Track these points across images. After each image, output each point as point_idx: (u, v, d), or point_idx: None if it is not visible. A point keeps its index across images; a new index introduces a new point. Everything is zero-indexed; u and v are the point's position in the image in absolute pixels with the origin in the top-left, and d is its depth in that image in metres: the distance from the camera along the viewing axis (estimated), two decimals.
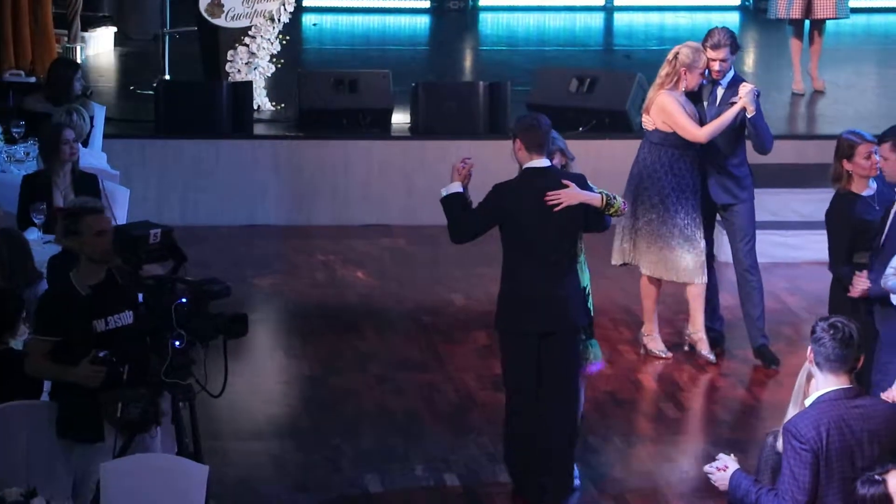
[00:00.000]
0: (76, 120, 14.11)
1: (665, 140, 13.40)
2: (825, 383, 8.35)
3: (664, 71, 13.39)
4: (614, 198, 11.09)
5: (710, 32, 13.60)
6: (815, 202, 13.74)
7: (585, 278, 11.35)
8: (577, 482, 11.35)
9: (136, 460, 9.59)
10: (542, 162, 11.14)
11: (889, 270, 10.64)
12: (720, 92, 13.47)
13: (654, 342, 13.78)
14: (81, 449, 9.88)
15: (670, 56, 13.41)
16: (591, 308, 11.46)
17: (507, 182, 11.24)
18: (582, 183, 11.13)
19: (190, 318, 9.59)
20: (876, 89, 19.84)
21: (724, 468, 8.28)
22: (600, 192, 11.07)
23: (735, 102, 13.25)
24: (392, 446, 12.32)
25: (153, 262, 10.42)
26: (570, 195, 10.99)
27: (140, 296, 10.24)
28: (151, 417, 9.73)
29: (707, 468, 8.41)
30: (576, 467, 11.37)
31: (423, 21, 22.87)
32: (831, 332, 8.31)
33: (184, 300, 9.60)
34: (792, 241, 15.62)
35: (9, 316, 10.38)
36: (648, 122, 13.50)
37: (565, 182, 11.04)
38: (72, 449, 9.89)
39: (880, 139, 11.41)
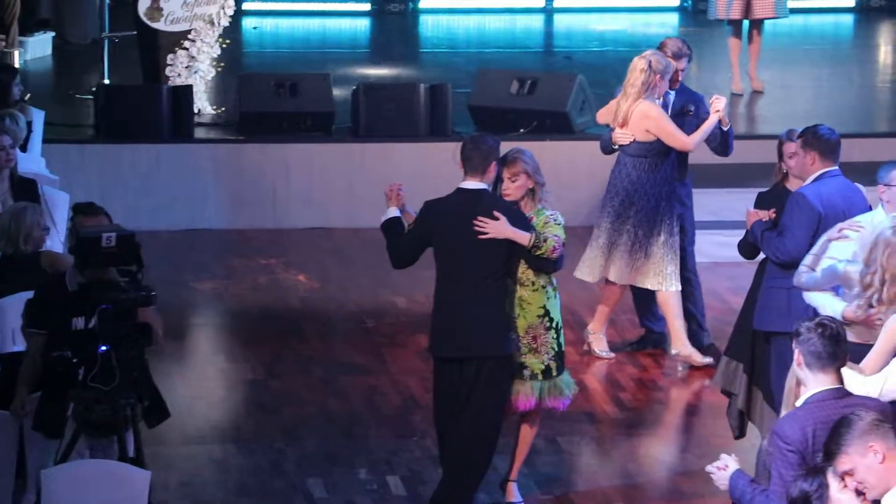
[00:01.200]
0: (11, 125, 14.11)
1: (647, 150, 13.35)
2: (815, 383, 8.37)
3: (640, 80, 13.27)
4: (544, 240, 10.85)
5: (667, 43, 13.66)
6: None
7: (556, 312, 11.16)
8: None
9: (78, 466, 9.62)
10: (476, 184, 10.97)
11: (801, 268, 10.65)
12: (671, 99, 13.49)
13: (600, 342, 13.79)
14: (43, 444, 9.90)
15: (642, 65, 13.26)
16: (562, 343, 11.24)
17: (437, 200, 11.08)
18: (516, 217, 10.98)
19: (113, 323, 9.60)
20: (813, 89, 19.97)
21: (724, 467, 8.25)
22: (531, 233, 10.88)
23: (689, 110, 13.32)
24: (335, 449, 12.32)
25: (111, 266, 10.40)
26: (497, 228, 10.83)
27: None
28: (120, 421, 9.71)
29: (709, 468, 8.38)
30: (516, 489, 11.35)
31: (363, 24, 22.90)
32: (819, 330, 8.35)
33: (107, 306, 9.60)
34: (734, 241, 15.63)
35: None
36: (625, 135, 13.38)
37: (496, 213, 10.88)
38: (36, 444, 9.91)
39: (798, 136, 11.52)
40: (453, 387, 11.11)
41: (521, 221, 10.96)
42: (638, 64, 13.31)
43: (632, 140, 13.34)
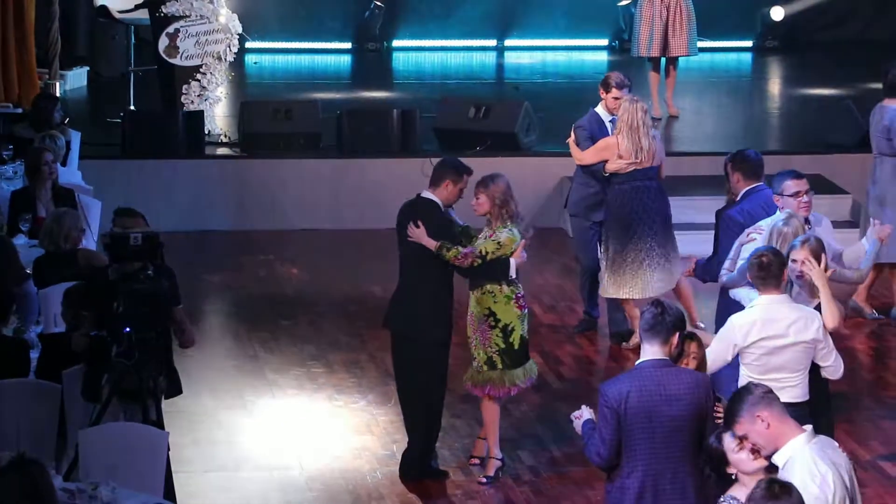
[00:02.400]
0: (53, 144, 14.11)
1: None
2: (643, 353, 8.37)
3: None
4: (448, 250, 10.75)
5: (611, 76, 13.52)
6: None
7: (504, 315, 10.97)
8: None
9: (109, 427, 9.51)
10: (428, 194, 10.99)
11: (723, 271, 10.65)
12: (609, 126, 13.35)
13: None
14: (81, 409, 9.82)
15: (622, 110, 13.04)
16: (513, 343, 11.04)
17: (405, 203, 11.16)
18: (440, 225, 10.87)
19: (136, 308, 9.57)
20: (718, 114, 20.00)
21: (580, 416, 8.36)
22: (440, 242, 10.78)
23: None
24: (321, 415, 12.35)
25: (138, 261, 10.35)
26: (414, 233, 10.86)
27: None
28: (144, 391, 9.63)
29: (571, 416, 8.43)
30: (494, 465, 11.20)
31: (345, 60, 22.84)
32: (651, 308, 8.35)
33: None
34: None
35: (2, 309, 10.29)
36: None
37: (418, 222, 10.86)
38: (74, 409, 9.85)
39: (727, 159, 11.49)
40: (394, 357, 11.29)
41: (444, 230, 10.90)
42: (622, 107, 13.05)
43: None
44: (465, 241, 10.93)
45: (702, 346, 8.73)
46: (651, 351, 8.30)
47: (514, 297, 11.00)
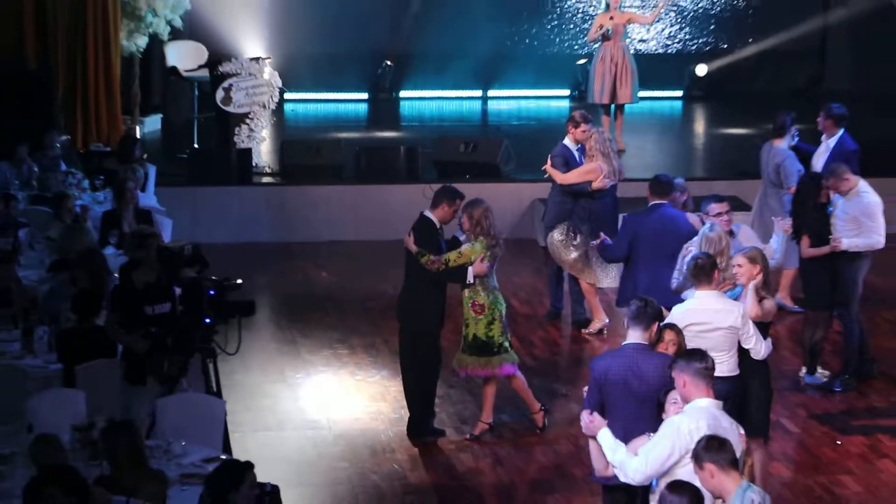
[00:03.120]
0: (134, 175, 14.14)
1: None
2: (629, 337, 8.41)
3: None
4: (422, 256, 10.70)
5: (576, 114, 13.44)
6: None
7: (467, 311, 10.87)
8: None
9: (179, 397, 9.54)
10: (427, 213, 10.94)
11: (673, 278, 10.63)
12: (577, 154, 13.29)
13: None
14: (132, 389, 9.86)
15: (592, 141, 12.98)
16: (467, 335, 10.89)
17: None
18: (425, 236, 10.80)
19: (216, 303, 9.52)
20: (656, 149, 19.95)
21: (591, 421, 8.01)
22: (419, 250, 10.72)
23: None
24: (345, 384, 12.36)
25: (189, 267, 10.39)
26: (407, 241, 10.85)
27: (178, 291, 10.23)
28: (183, 373, 9.69)
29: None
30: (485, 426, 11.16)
31: (362, 107, 22.82)
32: (637, 302, 8.38)
33: (212, 292, 9.54)
34: None
35: (96, 306, 10.30)
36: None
37: (410, 232, 10.86)
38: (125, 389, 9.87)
39: None
40: (399, 341, 11.29)
41: (428, 242, 10.81)
42: (590, 140, 12.98)
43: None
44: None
45: (679, 333, 8.57)
46: (634, 336, 8.35)
47: (470, 301, 10.88)
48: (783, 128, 13.78)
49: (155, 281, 10.14)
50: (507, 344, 11.00)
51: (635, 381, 8.21)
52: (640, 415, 8.15)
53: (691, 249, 10.23)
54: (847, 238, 11.67)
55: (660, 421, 7.79)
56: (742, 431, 7.62)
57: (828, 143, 13.47)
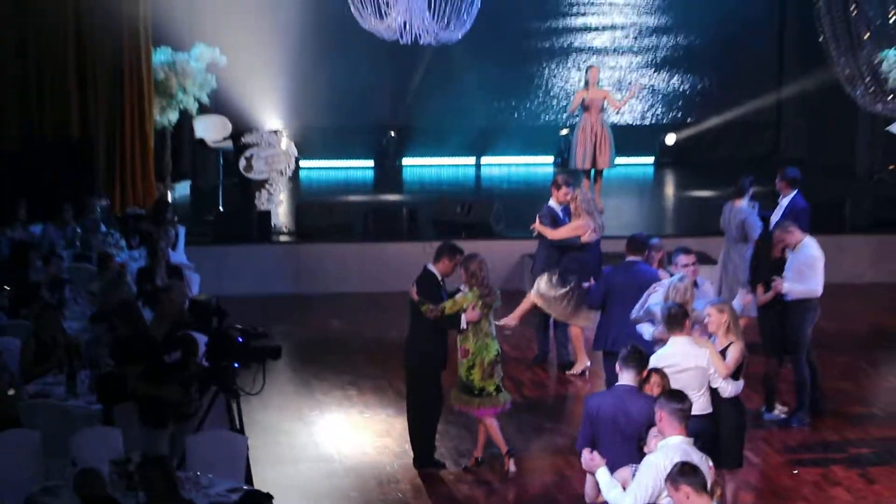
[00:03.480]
0: (166, 235, 14.19)
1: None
2: (621, 378, 8.45)
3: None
4: (423, 304, 10.69)
5: (559, 177, 13.47)
6: None
7: (487, 353, 10.78)
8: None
9: (207, 435, 9.50)
10: (430, 266, 10.91)
11: (633, 312, 10.67)
12: (560, 214, 13.32)
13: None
14: (152, 432, 9.72)
15: (577, 200, 12.98)
16: (460, 376, 10.82)
17: None
18: (427, 287, 10.73)
19: (244, 349, 9.52)
20: (631, 209, 20.00)
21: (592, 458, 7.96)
22: (420, 299, 10.70)
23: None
24: (353, 421, 12.31)
25: (213, 316, 10.35)
26: (410, 290, 10.83)
27: (203, 339, 10.19)
28: (194, 413, 9.70)
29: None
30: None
31: (369, 173, 22.91)
32: (629, 348, 8.43)
33: (240, 339, 9.53)
34: None
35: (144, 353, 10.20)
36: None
37: (414, 284, 10.84)
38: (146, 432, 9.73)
39: None
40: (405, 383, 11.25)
41: (429, 293, 10.77)
42: (575, 201, 13.04)
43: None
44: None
45: (664, 377, 8.56)
46: (625, 378, 8.39)
47: (460, 345, 10.84)
48: (743, 189, 13.87)
49: (169, 332, 10.08)
50: (490, 388, 10.84)
51: (623, 419, 8.25)
52: (625, 449, 8.17)
53: (658, 289, 10.34)
54: (787, 284, 11.74)
55: (641, 453, 7.80)
56: (711, 464, 7.63)
57: (782, 203, 13.53)
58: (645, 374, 8.47)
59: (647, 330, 10.32)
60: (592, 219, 12.99)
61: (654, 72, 23.56)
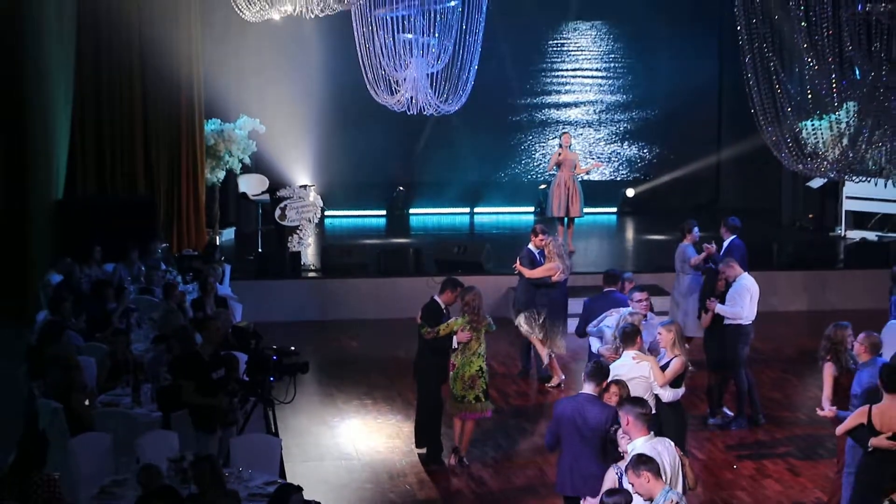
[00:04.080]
0: (215, 272, 14.19)
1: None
2: (584, 388, 8.42)
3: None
4: (422, 327, 10.64)
5: (537, 226, 13.50)
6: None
7: (469, 369, 10.71)
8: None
9: (247, 436, 9.49)
10: (436, 297, 10.84)
11: (590, 327, 10.70)
12: (538, 256, 13.30)
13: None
14: (205, 436, 9.67)
15: (550, 246, 12.99)
16: (461, 388, 10.68)
17: None
18: (431, 314, 10.64)
19: (278, 365, 9.49)
20: (598, 250, 19.89)
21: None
22: (421, 322, 10.62)
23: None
24: (370, 425, 12.24)
25: (251, 340, 10.31)
26: (418, 318, 10.80)
27: (243, 358, 10.14)
28: (237, 420, 9.66)
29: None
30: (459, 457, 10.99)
31: (382, 220, 22.87)
32: (592, 363, 8.51)
33: (275, 357, 9.51)
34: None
35: (195, 370, 9.96)
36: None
37: (420, 312, 10.80)
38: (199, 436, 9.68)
39: None
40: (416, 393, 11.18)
41: (431, 318, 10.71)
42: (548, 246, 13.02)
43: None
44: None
45: (624, 388, 8.51)
46: (587, 388, 8.38)
47: (451, 360, 10.80)
48: (684, 231, 13.95)
49: (214, 352, 10.05)
50: (470, 398, 10.74)
51: (580, 421, 8.24)
52: (584, 449, 8.20)
53: (613, 314, 10.44)
54: (720, 305, 11.76)
55: (604, 453, 7.77)
56: (675, 446, 7.61)
57: (724, 245, 13.58)
58: (605, 384, 8.44)
59: (594, 343, 10.40)
60: (562, 262, 13.06)
61: (618, 139, 23.64)
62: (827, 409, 9.25)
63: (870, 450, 8.37)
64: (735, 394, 12.27)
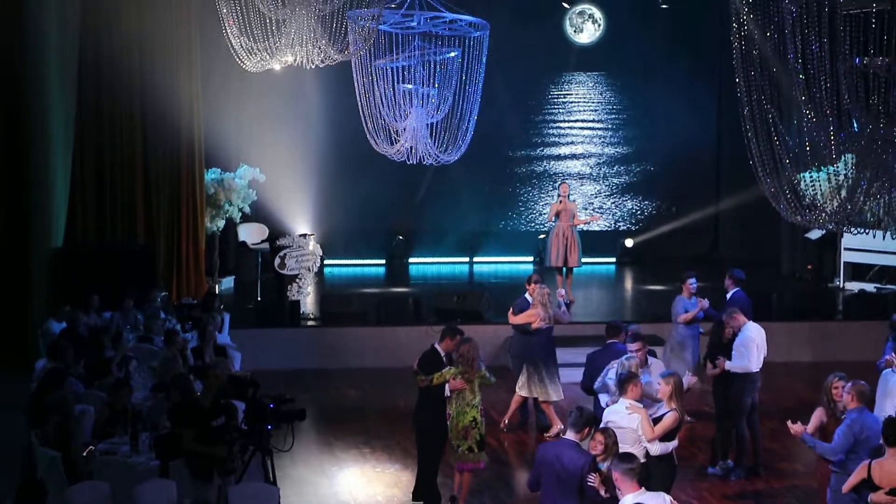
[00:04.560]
0: (214, 320, 14.19)
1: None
2: (567, 434, 8.44)
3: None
4: (417, 376, 10.65)
5: (533, 275, 13.59)
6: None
7: (463, 419, 10.70)
8: None
9: (245, 485, 9.47)
10: (436, 345, 10.87)
11: (597, 383, 10.71)
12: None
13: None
14: (203, 484, 9.64)
15: (535, 294, 13.08)
16: (455, 437, 10.68)
17: None
18: (430, 362, 10.65)
19: (275, 413, 9.50)
20: (597, 300, 19.91)
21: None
22: (417, 370, 10.62)
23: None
24: (368, 475, 12.19)
25: (249, 388, 10.32)
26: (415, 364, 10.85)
27: (241, 406, 10.13)
28: (236, 468, 9.62)
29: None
30: None
31: (381, 269, 22.95)
32: (576, 411, 8.44)
33: (272, 405, 9.52)
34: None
35: (194, 418, 9.96)
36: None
37: (419, 359, 10.81)
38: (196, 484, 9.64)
39: None
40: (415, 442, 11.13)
41: (430, 367, 10.70)
42: (537, 296, 13.11)
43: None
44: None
45: (610, 436, 8.51)
46: (570, 434, 8.41)
47: (447, 410, 10.82)
48: (682, 282, 14.01)
49: (214, 400, 10.05)
50: (464, 447, 10.73)
51: (559, 467, 8.29)
52: (561, 490, 8.26)
53: (614, 365, 10.43)
54: (729, 362, 11.82)
55: (581, 496, 7.83)
56: (670, 498, 7.61)
57: (728, 296, 13.66)
58: (587, 431, 8.45)
59: (603, 399, 10.40)
60: (544, 310, 13.12)
61: (618, 190, 23.79)
62: (798, 426, 9.30)
63: None
64: (735, 444, 12.26)
